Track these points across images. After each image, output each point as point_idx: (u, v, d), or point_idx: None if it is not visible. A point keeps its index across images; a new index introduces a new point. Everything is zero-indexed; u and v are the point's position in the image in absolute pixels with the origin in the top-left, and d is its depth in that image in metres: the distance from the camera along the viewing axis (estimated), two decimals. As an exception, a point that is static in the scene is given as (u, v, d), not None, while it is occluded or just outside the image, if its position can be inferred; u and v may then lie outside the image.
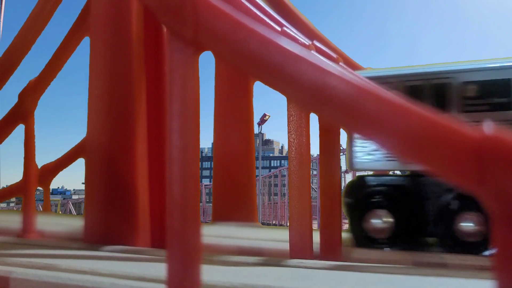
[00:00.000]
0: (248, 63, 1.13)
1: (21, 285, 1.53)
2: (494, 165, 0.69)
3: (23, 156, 2.76)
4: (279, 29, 1.99)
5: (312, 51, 1.63)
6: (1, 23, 9.19)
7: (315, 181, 12.61)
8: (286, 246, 1.93)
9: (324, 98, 0.99)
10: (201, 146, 1.61)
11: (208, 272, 1.30)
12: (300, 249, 1.87)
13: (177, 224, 1.18)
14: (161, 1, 1.18)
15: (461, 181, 0.76)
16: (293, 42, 1.11)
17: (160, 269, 1.42)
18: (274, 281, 1.38)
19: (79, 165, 4.69)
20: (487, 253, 2.11)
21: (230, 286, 1.33)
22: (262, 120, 21.40)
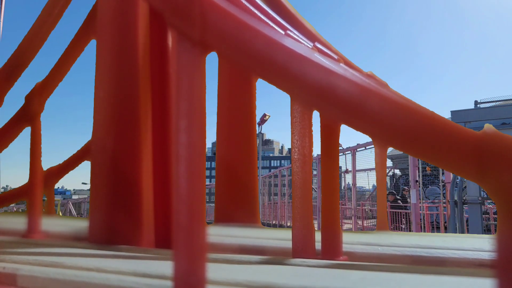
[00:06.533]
0: (254, 63, 1.15)
1: (28, 281, 1.55)
2: (494, 161, 0.72)
3: (27, 157, 2.77)
4: (283, 32, 2.02)
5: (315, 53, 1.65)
6: (1, 23, 9.20)
7: (315, 181, 12.63)
8: (288, 245, 1.95)
9: (329, 97, 1.01)
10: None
11: (213, 270, 1.32)
12: (302, 248, 1.89)
13: (183, 222, 1.19)
14: (169, 2, 1.21)
15: (465, 176, 0.78)
16: (297, 43, 1.14)
17: (165, 267, 1.44)
18: (277, 279, 1.40)
19: (80, 165, 4.71)
20: None
21: (235, 283, 1.34)
22: (262, 120, 21.45)
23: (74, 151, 4.74)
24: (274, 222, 17.58)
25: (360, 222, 11.71)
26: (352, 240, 2.16)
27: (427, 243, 2.03)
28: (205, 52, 1.20)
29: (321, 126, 1.98)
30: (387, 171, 14.35)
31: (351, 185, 12.27)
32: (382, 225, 2.92)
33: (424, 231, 9.17)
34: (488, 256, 1.72)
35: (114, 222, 2.31)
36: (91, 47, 2.72)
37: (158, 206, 2.43)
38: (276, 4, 2.86)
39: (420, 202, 9.14)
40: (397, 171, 17.00)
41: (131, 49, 2.41)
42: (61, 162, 4.90)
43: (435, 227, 10.12)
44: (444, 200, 8.98)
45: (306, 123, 1.92)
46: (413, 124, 0.84)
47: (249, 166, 3.44)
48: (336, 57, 2.40)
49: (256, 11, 2.02)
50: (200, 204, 1.22)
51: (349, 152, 11.86)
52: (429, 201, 11.58)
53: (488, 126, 0.77)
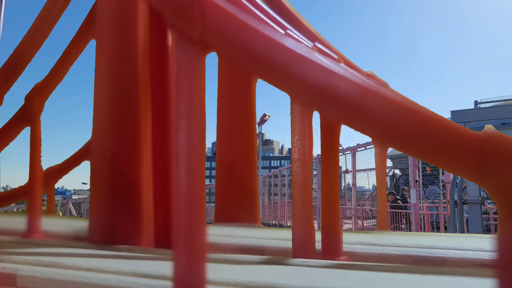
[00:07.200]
0: (254, 63, 1.15)
1: (28, 282, 1.54)
2: (494, 161, 0.72)
3: (27, 157, 2.77)
4: (283, 32, 2.02)
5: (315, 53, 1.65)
6: (1, 23, 9.20)
7: (315, 181, 12.64)
8: (288, 245, 1.95)
9: (329, 97, 1.01)
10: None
11: (213, 270, 1.32)
12: (302, 248, 1.89)
13: (183, 222, 1.19)
14: (169, 2, 1.21)
15: (465, 176, 0.79)
16: (297, 43, 1.14)
17: (165, 267, 1.44)
18: (277, 279, 1.40)
19: (80, 165, 4.71)
20: None
21: (235, 284, 1.34)
22: (262, 120, 21.47)
23: (74, 151, 4.74)
24: (274, 222, 17.59)
25: (360, 222, 11.71)
26: (352, 240, 2.16)
27: (427, 243, 2.03)
28: (205, 52, 1.20)
29: (321, 126, 1.98)
30: (387, 171, 14.34)
31: (351, 185, 12.28)
32: (382, 225, 2.92)
33: (424, 231, 9.17)
34: (488, 256, 1.72)
35: (114, 222, 2.31)
36: (91, 47, 2.72)
37: (158, 206, 2.43)
38: (276, 4, 2.86)
39: (420, 202, 9.14)
40: (397, 171, 17.02)
41: (131, 49, 2.41)
42: (61, 162, 4.90)
43: (435, 227, 10.12)
44: (444, 200, 8.98)
45: (306, 123, 1.92)
46: (413, 124, 0.84)
47: (249, 166, 3.44)
48: (336, 57, 2.40)
49: (256, 11, 2.02)
50: (200, 204, 1.21)
51: (349, 152, 11.87)
52: (429, 201, 11.58)
53: (488, 127, 0.77)
